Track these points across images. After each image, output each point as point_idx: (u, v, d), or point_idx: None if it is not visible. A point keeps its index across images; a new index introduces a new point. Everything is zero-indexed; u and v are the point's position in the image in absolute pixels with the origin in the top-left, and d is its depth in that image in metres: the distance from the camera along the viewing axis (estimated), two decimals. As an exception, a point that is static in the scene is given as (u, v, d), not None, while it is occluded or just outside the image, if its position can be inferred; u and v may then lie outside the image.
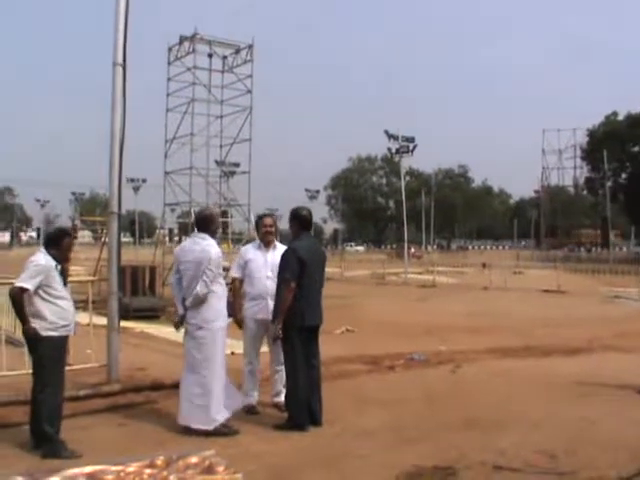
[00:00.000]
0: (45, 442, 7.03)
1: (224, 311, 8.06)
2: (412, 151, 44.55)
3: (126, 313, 13.21)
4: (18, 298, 7.13)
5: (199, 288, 7.77)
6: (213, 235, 8.23)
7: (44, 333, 7.17)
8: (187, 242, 8.59)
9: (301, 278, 7.91)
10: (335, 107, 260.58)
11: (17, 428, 7.78)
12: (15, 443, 7.33)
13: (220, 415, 7.78)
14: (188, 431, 7.73)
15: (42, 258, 7.31)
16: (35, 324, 7.13)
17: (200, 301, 7.84)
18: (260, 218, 9.28)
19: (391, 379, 10.90)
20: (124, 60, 9.90)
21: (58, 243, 7.47)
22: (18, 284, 7.13)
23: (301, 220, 8.41)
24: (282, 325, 7.88)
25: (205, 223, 8.19)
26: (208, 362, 7.81)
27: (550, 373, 11.19)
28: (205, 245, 7.93)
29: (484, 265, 47.41)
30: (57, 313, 7.27)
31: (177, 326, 8.23)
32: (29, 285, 7.11)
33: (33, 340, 7.21)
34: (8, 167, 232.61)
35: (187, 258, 7.99)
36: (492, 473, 6.41)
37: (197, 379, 7.80)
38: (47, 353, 7.23)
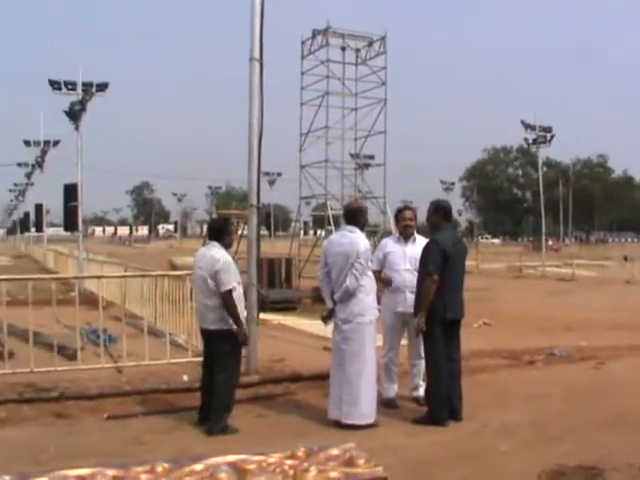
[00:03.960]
0: (216, 425, 7.52)
1: (373, 305, 7.99)
2: (549, 141, 43.41)
3: (263, 305, 13.38)
4: (231, 301, 7.61)
5: (348, 282, 7.74)
6: (362, 228, 8.17)
7: (234, 327, 7.64)
8: (335, 235, 8.60)
9: (444, 271, 7.81)
10: (469, 96, 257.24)
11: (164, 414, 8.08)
12: (168, 426, 7.70)
13: (371, 409, 7.77)
14: (332, 424, 7.77)
15: (225, 254, 7.78)
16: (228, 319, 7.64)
17: (349, 295, 7.80)
18: (400, 211, 9.20)
19: (532, 374, 10.65)
20: (261, 55, 10.03)
21: (229, 231, 8.11)
22: (228, 287, 7.56)
23: (444, 211, 8.30)
24: (425, 318, 7.82)
25: (353, 216, 8.15)
26: (357, 357, 7.78)
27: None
28: (354, 238, 7.88)
29: (626, 258, 45.83)
30: (242, 303, 7.92)
31: (325, 320, 8.25)
32: (234, 283, 7.64)
33: (229, 333, 7.62)
34: (146, 163, 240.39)
35: (335, 251, 7.96)
36: (641, 475, 6.18)
37: (346, 374, 7.79)
38: (235, 345, 7.74)
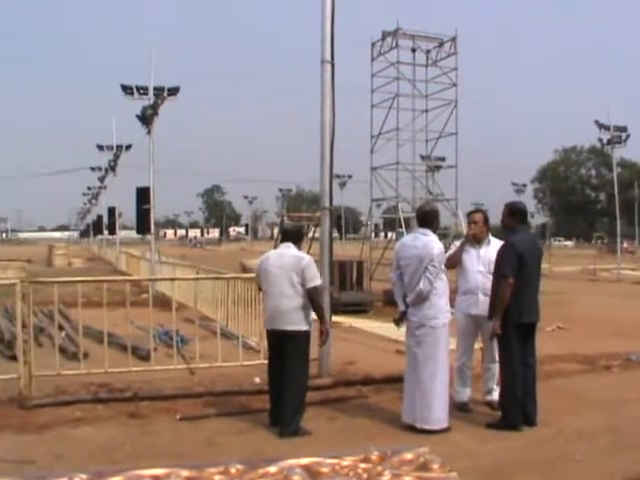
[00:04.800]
0: (288, 428, 7.53)
1: (446, 308, 7.92)
2: (625, 141, 42.55)
3: (335, 307, 13.37)
4: (319, 297, 8.01)
5: (422, 285, 7.68)
6: (435, 231, 8.10)
7: (309, 328, 7.83)
8: (407, 237, 8.54)
9: (519, 274, 7.67)
10: (540, 96, 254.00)
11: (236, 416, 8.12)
12: (240, 428, 7.74)
13: (444, 414, 7.70)
14: (404, 427, 7.72)
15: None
16: (307, 319, 7.81)
17: (422, 298, 7.74)
18: (470, 214, 9.12)
19: (608, 380, 10.42)
20: (332, 57, 10.03)
21: (302, 239, 8.36)
22: (318, 282, 7.85)
23: (520, 214, 8.17)
24: (500, 322, 7.70)
25: (427, 218, 8.08)
26: (430, 360, 7.72)
27: None
28: (427, 241, 7.82)
29: None
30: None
31: (397, 323, 8.21)
32: (321, 280, 7.94)
33: (305, 335, 7.78)
34: (217, 166, 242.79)
35: (408, 254, 7.90)
36: None
37: (419, 377, 7.73)
38: (308, 346, 7.90)
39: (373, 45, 26.78)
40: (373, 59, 26.79)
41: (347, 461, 3.46)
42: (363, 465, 3.43)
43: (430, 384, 7.66)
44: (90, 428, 7.83)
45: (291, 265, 7.75)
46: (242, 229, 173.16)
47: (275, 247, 8.14)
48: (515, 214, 8.11)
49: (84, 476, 2.91)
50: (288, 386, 7.65)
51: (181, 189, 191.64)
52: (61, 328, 12.55)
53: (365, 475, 3.31)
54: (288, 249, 7.96)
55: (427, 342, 7.72)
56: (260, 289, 8.44)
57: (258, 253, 8.89)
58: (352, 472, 3.33)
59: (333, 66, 10.03)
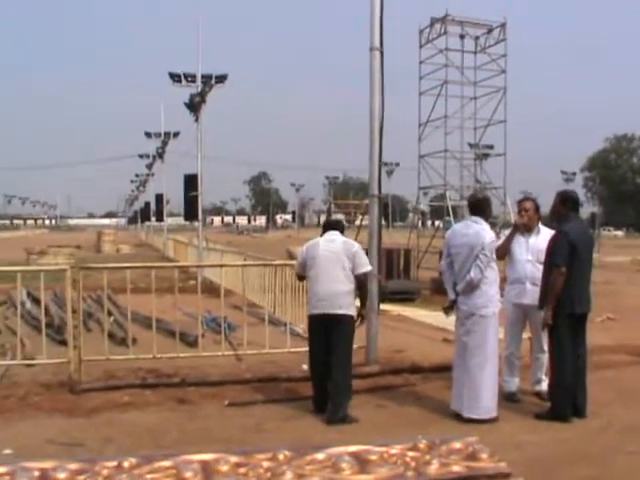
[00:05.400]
0: (336, 414, 7.52)
1: (496, 297, 7.86)
2: (678, 128, 41.97)
3: (382, 295, 13.33)
4: (367, 283, 8.27)
5: (473, 274, 7.63)
6: (487, 219, 8.05)
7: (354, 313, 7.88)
8: (459, 225, 8.50)
9: (571, 263, 7.55)
10: (590, 83, 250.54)
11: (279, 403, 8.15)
12: (287, 414, 7.79)
13: (492, 403, 7.65)
14: (452, 416, 7.68)
15: None
16: (354, 305, 7.90)
17: (472, 287, 7.69)
18: (519, 202, 9.01)
19: (659, 372, 10.25)
20: (381, 45, 9.98)
21: (344, 230, 8.38)
22: (369, 267, 8.06)
23: (572, 202, 8.05)
24: (552, 312, 7.60)
25: (480, 206, 8.03)
26: (479, 349, 7.66)
27: None
28: (479, 229, 7.77)
29: None
30: None
31: (447, 311, 8.15)
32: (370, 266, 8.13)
33: (351, 320, 7.86)
34: (264, 153, 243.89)
35: (459, 242, 7.85)
36: None
37: (468, 366, 7.68)
38: (353, 331, 7.95)
39: (421, 32, 26.54)
40: (421, 46, 26.57)
41: (395, 449, 3.44)
42: (411, 453, 3.42)
43: (479, 373, 7.61)
44: (138, 413, 7.91)
45: (343, 250, 7.83)
46: (289, 216, 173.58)
47: (322, 235, 8.12)
48: (567, 202, 7.99)
49: (133, 460, 2.94)
50: (335, 372, 7.66)
51: (228, 176, 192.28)
52: (110, 313, 12.67)
53: (413, 463, 3.30)
54: (337, 236, 8.03)
55: (477, 331, 7.67)
56: (300, 277, 8.52)
57: (304, 240, 8.93)
58: (400, 460, 3.32)
59: (382, 53, 9.99)
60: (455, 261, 7.85)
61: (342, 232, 8.22)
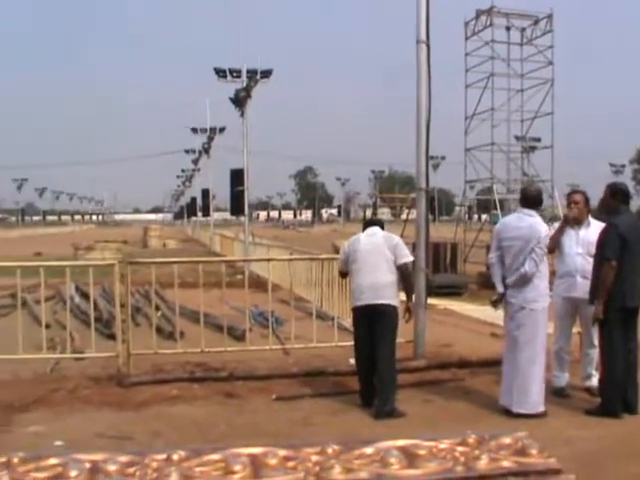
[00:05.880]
0: (384, 408, 7.52)
1: (546, 291, 7.79)
2: None
3: (429, 289, 13.26)
4: (410, 273, 8.36)
5: (527, 267, 7.55)
6: (539, 212, 8.01)
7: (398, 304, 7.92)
8: (510, 218, 8.42)
9: (622, 256, 7.43)
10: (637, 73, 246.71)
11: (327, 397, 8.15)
12: (335, 409, 7.80)
13: (540, 398, 7.58)
14: (500, 411, 7.63)
15: None
16: (398, 296, 7.98)
17: (524, 280, 7.61)
18: (569, 195, 8.90)
19: None
20: (427, 37, 9.92)
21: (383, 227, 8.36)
22: (411, 257, 8.24)
23: (622, 195, 7.93)
24: (603, 306, 7.49)
25: (532, 199, 7.97)
26: (529, 344, 7.59)
27: None
28: (533, 222, 7.70)
29: None
30: None
31: (495, 305, 8.10)
32: (412, 257, 8.33)
33: (396, 311, 7.89)
34: (310, 147, 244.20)
35: (511, 234, 7.77)
36: None
37: (517, 361, 7.62)
38: (397, 323, 7.97)
39: (467, 24, 26.38)
40: (467, 38, 26.41)
41: (444, 444, 3.41)
42: (460, 448, 3.38)
43: (528, 368, 7.54)
44: (186, 406, 7.97)
45: (384, 242, 7.92)
46: (334, 211, 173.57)
47: (363, 230, 8.16)
48: (617, 195, 7.88)
49: (182, 453, 2.95)
50: (381, 364, 7.67)
51: (274, 171, 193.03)
52: (157, 308, 12.78)
53: (462, 458, 3.27)
54: (377, 230, 8.13)
55: (527, 325, 7.59)
56: (343, 274, 8.61)
57: (350, 235, 8.94)
58: (449, 455, 3.28)
59: (429, 46, 9.94)
60: (506, 254, 7.77)
61: (382, 229, 8.27)
